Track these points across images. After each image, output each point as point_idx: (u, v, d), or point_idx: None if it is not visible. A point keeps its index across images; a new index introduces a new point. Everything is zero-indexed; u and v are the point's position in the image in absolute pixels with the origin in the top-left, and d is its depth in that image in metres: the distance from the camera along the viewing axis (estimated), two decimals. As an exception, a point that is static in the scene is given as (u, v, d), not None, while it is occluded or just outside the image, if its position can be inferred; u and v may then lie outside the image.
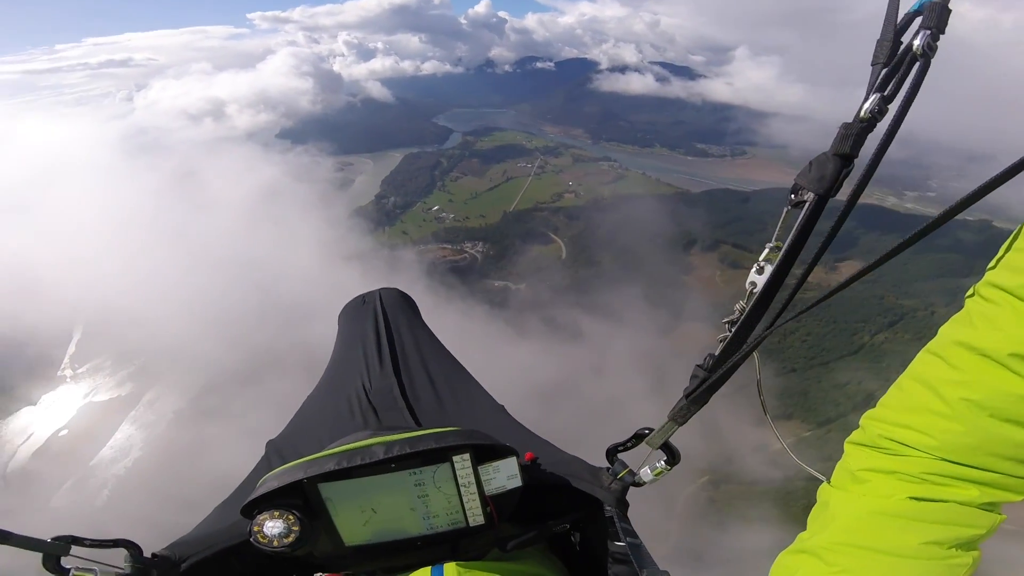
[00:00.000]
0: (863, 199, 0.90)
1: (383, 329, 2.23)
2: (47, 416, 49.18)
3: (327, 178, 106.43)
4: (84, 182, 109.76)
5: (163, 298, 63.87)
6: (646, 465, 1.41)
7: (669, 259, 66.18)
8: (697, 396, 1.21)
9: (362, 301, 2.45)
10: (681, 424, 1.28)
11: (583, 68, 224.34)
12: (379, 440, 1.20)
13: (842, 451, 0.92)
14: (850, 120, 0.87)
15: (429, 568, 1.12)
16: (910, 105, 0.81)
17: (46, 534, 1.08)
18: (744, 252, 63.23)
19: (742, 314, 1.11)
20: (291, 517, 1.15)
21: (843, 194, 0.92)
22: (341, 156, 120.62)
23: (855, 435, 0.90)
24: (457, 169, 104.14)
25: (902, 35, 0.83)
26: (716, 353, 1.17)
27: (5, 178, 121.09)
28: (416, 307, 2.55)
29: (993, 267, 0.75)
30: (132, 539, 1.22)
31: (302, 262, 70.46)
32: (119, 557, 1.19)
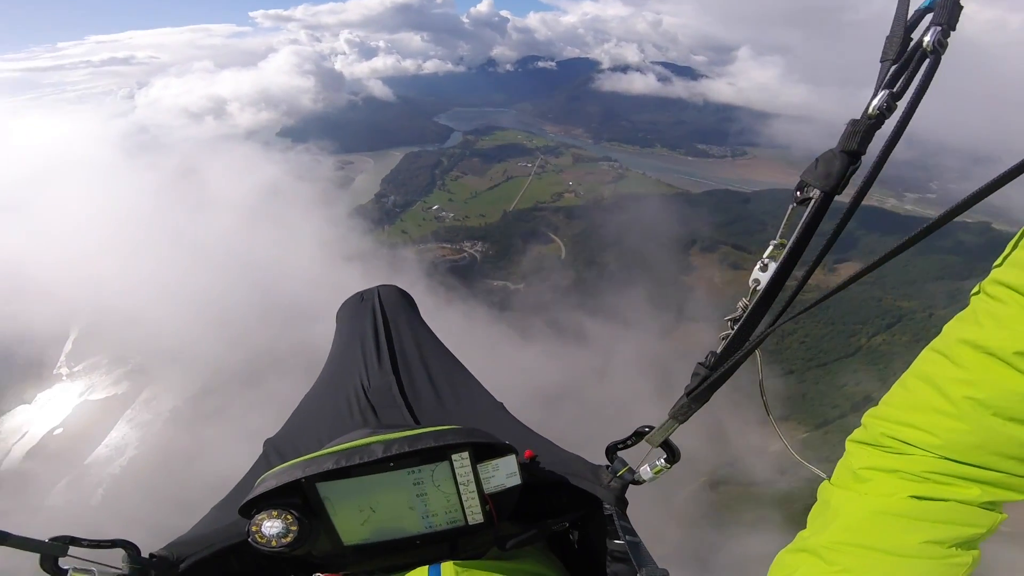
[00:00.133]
0: (864, 200, 0.89)
1: (382, 326, 2.22)
2: (42, 414, 49.10)
3: (327, 177, 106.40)
4: (84, 180, 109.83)
5: (161, 296, 63.87)
6: (646, 463, 1.40)
7: (669, 260, 66.16)
8: (698, 394, 1.20)
9: (360, 298, 2.44)
10: (682, 422, 1.27)
11: (585, 68, 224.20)
12: (378, 439, 1.19)
13: (840, 452, 0.92)
14: (857, 117, 0.86)
15: (427, 567, 1.12)
16: (919, 101, 0.80)
17: (40, 533, 1.07)
18: (744, 253, 63.25)
19: (745, 311, 1.09)
20: (289, 517, 1.15)
21: (847, 194, 0.91)
22: (342, 155, 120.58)
23: (857, 433, 0.90)
24: (457, 168, 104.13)
25: (912, 32, 0.82)
26: (718, 351, 1.16)
27: (4, 176, 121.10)
28: (415, 304, 2.54)
29: (1000, 264, 0.74)
30: (128, 539, 1.21)
31: (302, 261, 70.48)
32: (117, 557, 1.18)
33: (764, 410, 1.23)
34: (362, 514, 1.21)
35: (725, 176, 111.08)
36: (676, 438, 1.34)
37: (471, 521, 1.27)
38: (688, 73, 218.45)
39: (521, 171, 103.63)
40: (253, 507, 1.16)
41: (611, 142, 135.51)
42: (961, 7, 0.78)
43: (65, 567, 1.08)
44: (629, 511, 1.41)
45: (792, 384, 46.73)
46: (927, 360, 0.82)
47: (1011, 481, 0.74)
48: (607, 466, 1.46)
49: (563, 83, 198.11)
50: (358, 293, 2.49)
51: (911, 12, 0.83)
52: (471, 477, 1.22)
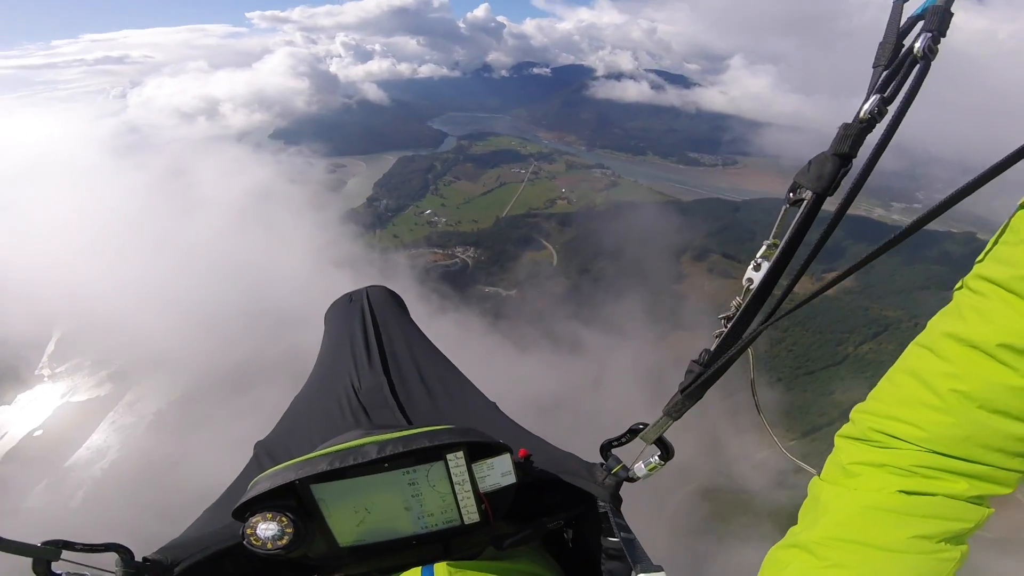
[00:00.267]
0: (851, 210, 0.91)
1: (371, 327, 2.20)
2: (22, 416, 48.05)
3: (319, 180, 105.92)
4: (70, 179, 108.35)
5: (147, 299, 62.98)
6: (640, 460, 1.40)
7: (660, 268, 66.61)
8: (692, 391, 1.21)
9: (348, 300, 2.41)
10: (676, 419, 1.28)
11: (579, 74, 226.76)
12: (372, 439, 1.19)
13: (827, 459, 0.92)
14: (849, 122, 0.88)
15: (419, 568, 1.11)
16: (909, 106, 0.82)
17: (17, 536, 1.05)
18: (734, 262, 63.83)
19: (738, 310, 1.11)
20: (285, 519, 1.14)
21: (837, 197, 0.93)
22: (334, 157, 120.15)
23: (846, 428, 0.91)
24: (451, 173, 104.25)
25: (904, 38, 0.84)
26: (712, 348, 1.18)
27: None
28: (404, 305, 2.53)
29: (981, 260, 0.76)
30: (114, 541, 1.18)
31: (291, 266, 69.87)
32: (110, 561, 1.16)
33: (756, 410, 1.25)
34: (357, 515, 1.20)
35: (716, 184, 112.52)
36: (670, 435, 1.35)
37: (467, 521, 1.26)
38: (681, 81, 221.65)
39: (514, 177, 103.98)
40: (247, 510, 1.15)
41: (604, 149, 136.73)
42: (952, 14, 0.80)
43: (58, 572, 1.07)
44: (623, 509, 1.41)
45: (781, 392, 47.19)
46: (913, 355, 0.83)
47: (997, 474, 0.75)
48: (601, 464, 1.46)
49: (558, 89, 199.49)
50: (347, 294, 2.46)
51: (904, 19, 0.85)
52: (466, 477, 1.21)
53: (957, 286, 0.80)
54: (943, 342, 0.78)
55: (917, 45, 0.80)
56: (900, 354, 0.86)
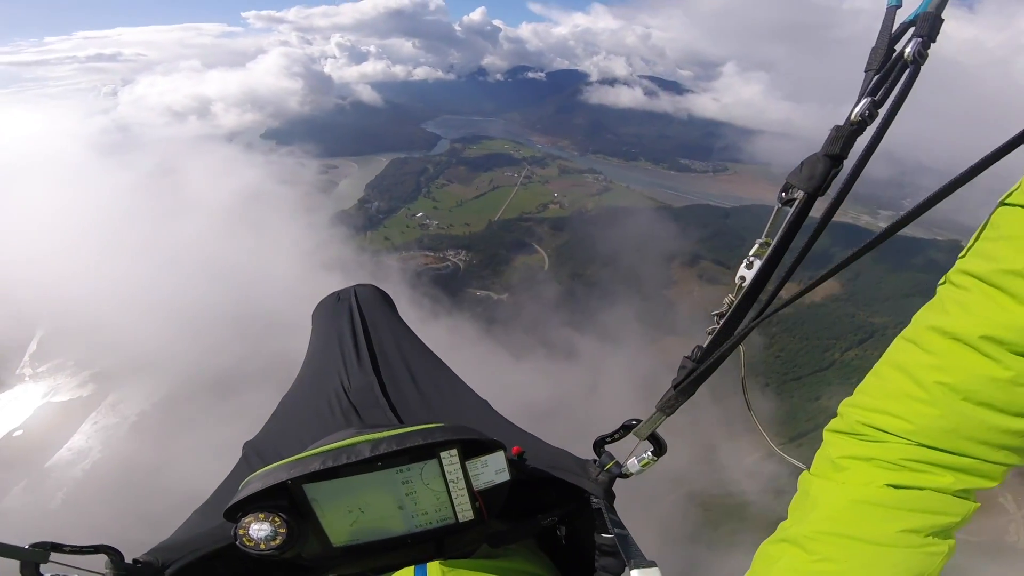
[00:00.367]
0: (838, 216, 0.93)
1: (360, 326, 2.18)
2: (2, 415, 46.86)
3: (310, 181, 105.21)
4: (56, 177, 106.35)
5: (133, 299, 61.83)
6: (633, 456, 1.41)
7: (650, 273, 67.04)
8: (685, 387, 1.22)
9: (336, 298, 2.38)
10: (669, 415, 1.29)
11: (573, 79, 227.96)
12: (364, 438, 1.18)
13: (816, 453, 0.93)
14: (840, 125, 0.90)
15: (412, 568, 1.11)
16: (898, 109, 0.84)
17: None
18: (723, 268, 64.49)
19: (731, 307, 1.12)
20: (277, 519, 1.13)
21: (827, 197, 0.95)
22: (326, 159, 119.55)
23: (834, 423, 0.91)
24: (444, 176, 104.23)
25: (896, 43, 0.86)
26: (704, 345, 1.19)
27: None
28: (392, 303, 2.51)
29: (964, 255, 0.79)
30: (101, 542, 1.16)
31: (280, 268, 69.06)
32: (100, 563, 1.14)
33: (747, 408, 1.26)
34: (351, 515, 1.19)
35: (706, 191, 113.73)
36: (662, 432, 1.35)
37: (461, 519, 1.26)
38: (674, 88, 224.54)
39: (507, 181, 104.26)
40: (239, 510, 1.13)
41: (597, 154, 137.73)
42: (942, 20, 0.81)
43: (47, 574, 1.05)
44: (616, 505, 1.42)
45: (769, 397, 47.66)
46: (898, 348, 0.85)
47: (982, 467, 0.76)
48: (594, 460, 1.46)
49: (552, 94, 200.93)
50: (334, 292, 2.43)
51: (896, 25, 0.86)
52: (460, 474, 1.21)
53: (940, 281, 0.83)
54: (927, 335, 0.79)
55: (908, 50, 0.82)
56: (887, 356, 0.88)
